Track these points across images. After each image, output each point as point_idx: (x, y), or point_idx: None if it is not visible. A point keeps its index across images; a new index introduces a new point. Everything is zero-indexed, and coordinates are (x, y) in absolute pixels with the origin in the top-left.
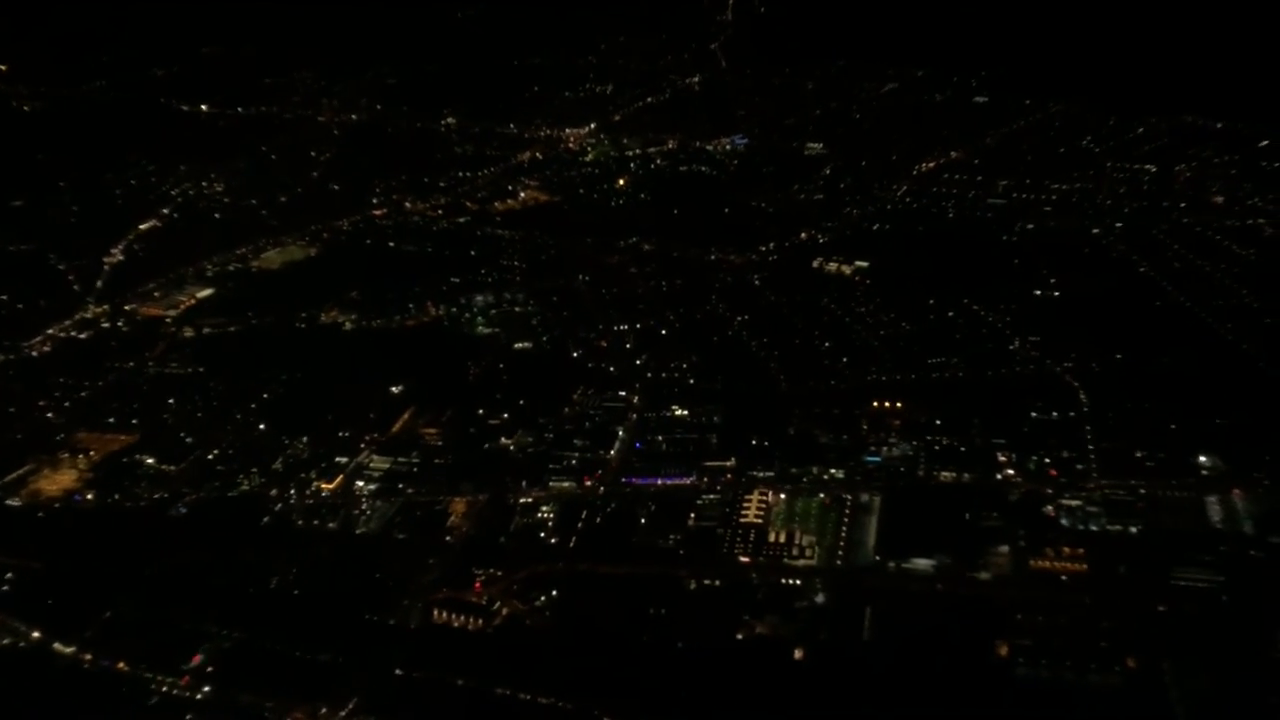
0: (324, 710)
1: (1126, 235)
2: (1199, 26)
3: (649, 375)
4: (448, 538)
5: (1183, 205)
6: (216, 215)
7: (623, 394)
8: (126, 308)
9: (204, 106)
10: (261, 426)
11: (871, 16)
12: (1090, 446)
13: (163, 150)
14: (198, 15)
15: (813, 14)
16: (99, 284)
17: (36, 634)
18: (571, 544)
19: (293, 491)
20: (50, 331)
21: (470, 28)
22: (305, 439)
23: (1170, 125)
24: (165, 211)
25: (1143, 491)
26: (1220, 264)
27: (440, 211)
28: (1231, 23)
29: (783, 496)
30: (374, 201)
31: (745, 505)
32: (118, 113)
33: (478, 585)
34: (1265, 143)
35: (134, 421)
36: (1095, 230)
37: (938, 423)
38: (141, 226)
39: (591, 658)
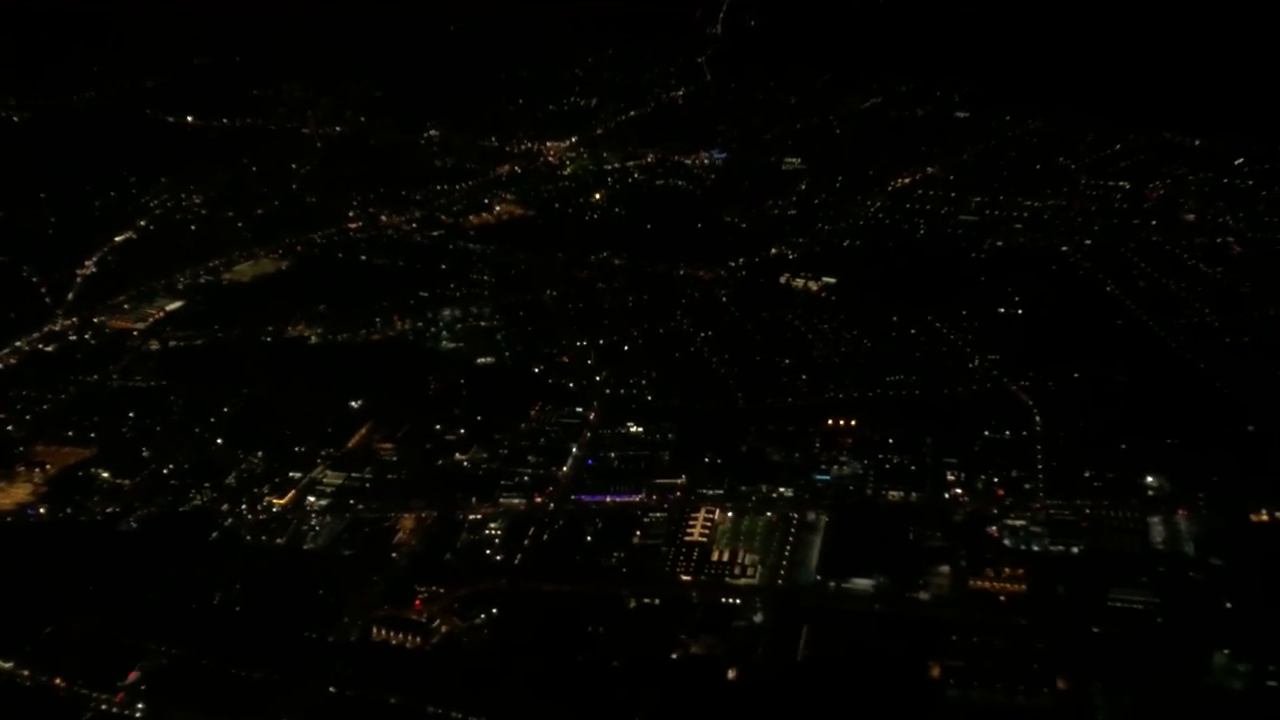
0: None
1: (1094, 253)
2: (1179, 43)
3: (608, 391)
4: (394, 554)
5: (1153, 223)
6: (192, 227)
7: (580, 410)
8: (95, 320)
9: (189, 118)
10: (219, 441)
11: (859, 31)
12: (1040, 466)
13: (145, 162)
14: (192, 26)
15: (801, 28)
16: (70, 296)
17: None
18: (516, 561)
19: (243, 506)
20: (18, 344)
21: (461, 40)
22: (260, 454)
23: (1148, 142)
24: (142, 223)
25: (1087, 511)
26: (1186, 282)
27: (414, 225)
28: (1212, 40)
29: (729, 515)
30: (350, 214)
31: (691, 523)
32: (104, 124)
33: (418, 603)
34: (1240, 160)
35: (92, 435)
36: (1064, 248)
37: (890, 441)
38: (117, 238)
39: (526, 676)
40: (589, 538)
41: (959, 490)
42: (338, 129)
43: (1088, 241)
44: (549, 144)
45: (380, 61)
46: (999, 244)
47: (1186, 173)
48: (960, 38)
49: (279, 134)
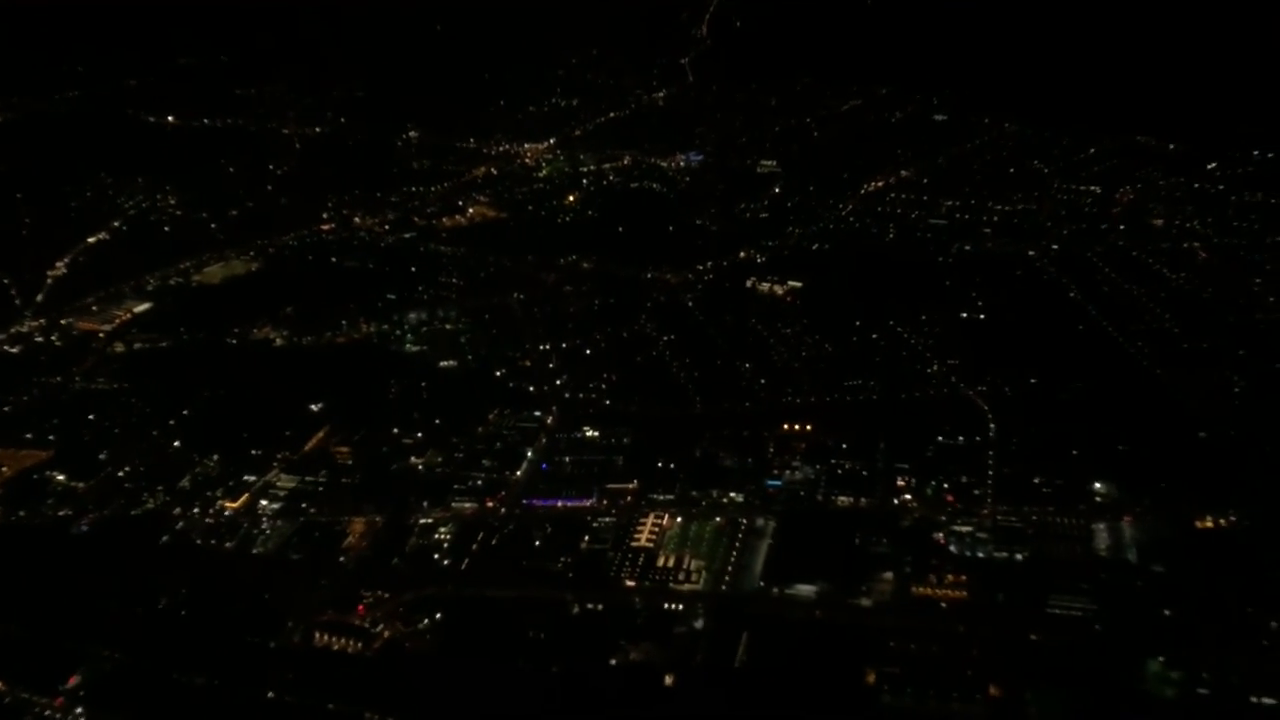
0: None
1: (1061, 257)
2: (1154, 47)
3: (567, 396)
4: (341, 559)
5: (1121, 228)
6: (166, 229)
7: (538, 414)
8: (63, 321)
9: (170, 118)
10: (176, 444)
11: (841, 33)
12: (990, 472)
13: (123, 162)
14: (179, 26)
15: (785, 30)
16: (39, 297)
17: None
18: (463, 566)
19: (196, 510)
20: None
21: (447, 40)
22: (215, 457)
23: (1122, 146)
24: (116, 224)
25: (1034, 518)
26: (1149, 288)
27: (387, 227)
28: (1187, 45)
29: (678, 520)
30: (323, 216)
31: (639, 528)
32: (85, 124)
33: (360, 608)
34: (1213, 165)
35: (51, 437)
36: (1031, 252)
37: (844, 446)
38: (90, 239)
39: (465, 682)
40: (537, 542)
41: (908, 496)
42: (317, 130)
43: (1055, 246)
44: (526, 146)
45: (365, 61)
46: (967, 248)
47: (1158, 177)
48: (940, 41)
49: (258, 135)
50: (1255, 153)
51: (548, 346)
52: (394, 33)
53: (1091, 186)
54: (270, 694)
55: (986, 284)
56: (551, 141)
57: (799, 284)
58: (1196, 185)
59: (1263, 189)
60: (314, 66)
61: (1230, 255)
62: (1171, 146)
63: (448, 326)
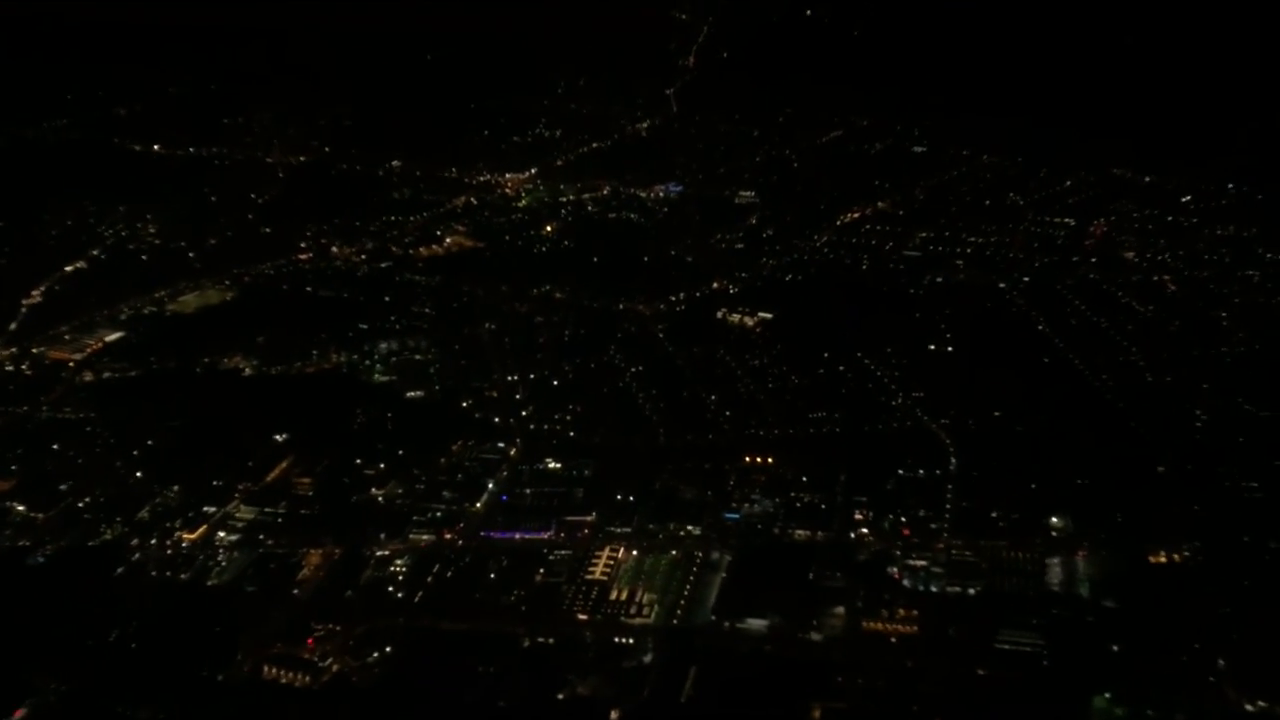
0: None
1: (1031, 290)
2: (1130, 81)
3: (531, 427)
4: (295, 591)
5: (1093, 260)
6: (144, 257)
7: (501, 445)
8: (34, 350)
9: (156, 146)
10: (138, 474)
11: (827, 64)
12: (948, 506)
13: (106, 190)
14: (171, 53)
15: (771, 61)
16: (12, 326)
17: None
18: (417, 599)
19: (153, 541)
20: None
21: (438, 69)
22: (176, 487)
23: (1099, 178)
24: (95, 253)
25: (988, 552)
26: (1116, 321)
27: (363, 256)
28: (1167, 78)
29: (634, 553)
30: (301, 245)
31: (594, 561)
32: (71, 151)
33: (310, 641)
34: (1187, 198)
35: (14, 467)
36: (1001, 284)
37: (804, 479)
38: (67, 268)
39: (410, 716)
40: (492, 575)
41: (865, 530)
42: (302, 158)
43: (1026, 278)
44: (508, 175)
45: (354, 90)
46: (939, 279)
47: (1132, 209)
48: (924, 72)
49: (243, 163)
50: (1230, 186)
51: (515, 377)
52: (384, 62)
53: (1065, 219)
54: None
55: (955, 316)
56: (533, 171)
57: (769, 315)
58: (1170, 218)
59: (1235, 222)
60: (302, 95)
61: (1200, 288)
62: (1147, 179)
63: (417, 356)
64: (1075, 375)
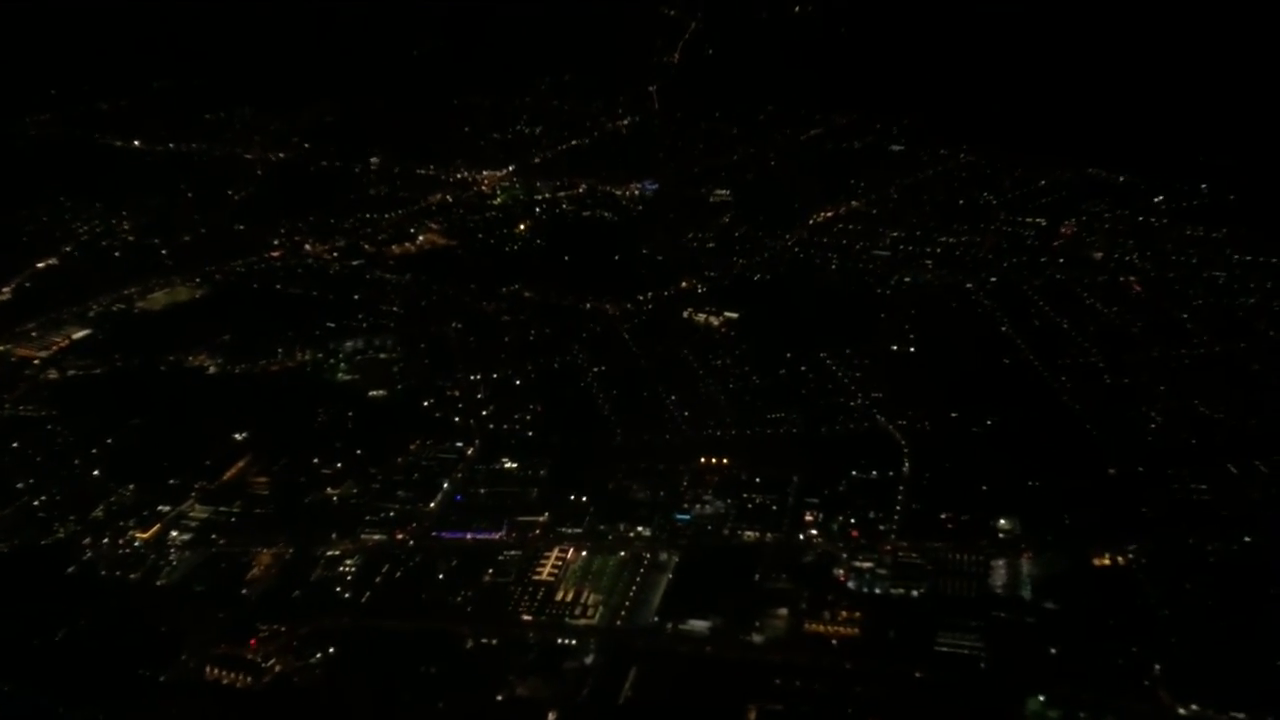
0: None
1: (997, 290)
2: (1109, 80)
3: (491, 426)
4: (244, 591)
5: (1060, 261)
6: (117, 254)
7: (460, 445)
8: (1, 348)
9: (137, 142)
10: (95, 472)
11: (811, 62)
12: (898, 508)
13: (83, 186)
14: (156, 48)
15: (756, 59)
16: None
17: None
18: (364, 599)
19: (106, 540)
20: None
21: (423, 65)
22: (132, 486)
23: (1074, 178)
24: (68, 249)
25: (935, 554)
26: (1079, 322)
27: (335, 254)
28: (1143, 77)
29: (583, 554)
30: (274, 242)
31: (543, 562)
32: (51, 147)
33: (253, 641)
34: (1159, 198)
35: None
36: (968, 285)
37: (756, 480)
38: (40, 264)
39: (349, 717)
40: (441, 575)
41: (814, 531)
42: (281, 155)
43: (993, 279)
44: (485, 173)
45: (338, 86)
46: (906, 280)
47: (1104, 209)
48: (904, 71)
49: (222, 159)
50: (1204, 186)
51: (478, 376)
52: (370, 58)
53: (1037, 219)
54: None
55: (920, 316)
56: (510, 169)
57: (735, 315)
58: (1141, 218)
59: (1205, 223)
60: (286, 90)
61: (1164, 290)
62: (1122, 178)
63: (382, 355)
64: (1034, 376)
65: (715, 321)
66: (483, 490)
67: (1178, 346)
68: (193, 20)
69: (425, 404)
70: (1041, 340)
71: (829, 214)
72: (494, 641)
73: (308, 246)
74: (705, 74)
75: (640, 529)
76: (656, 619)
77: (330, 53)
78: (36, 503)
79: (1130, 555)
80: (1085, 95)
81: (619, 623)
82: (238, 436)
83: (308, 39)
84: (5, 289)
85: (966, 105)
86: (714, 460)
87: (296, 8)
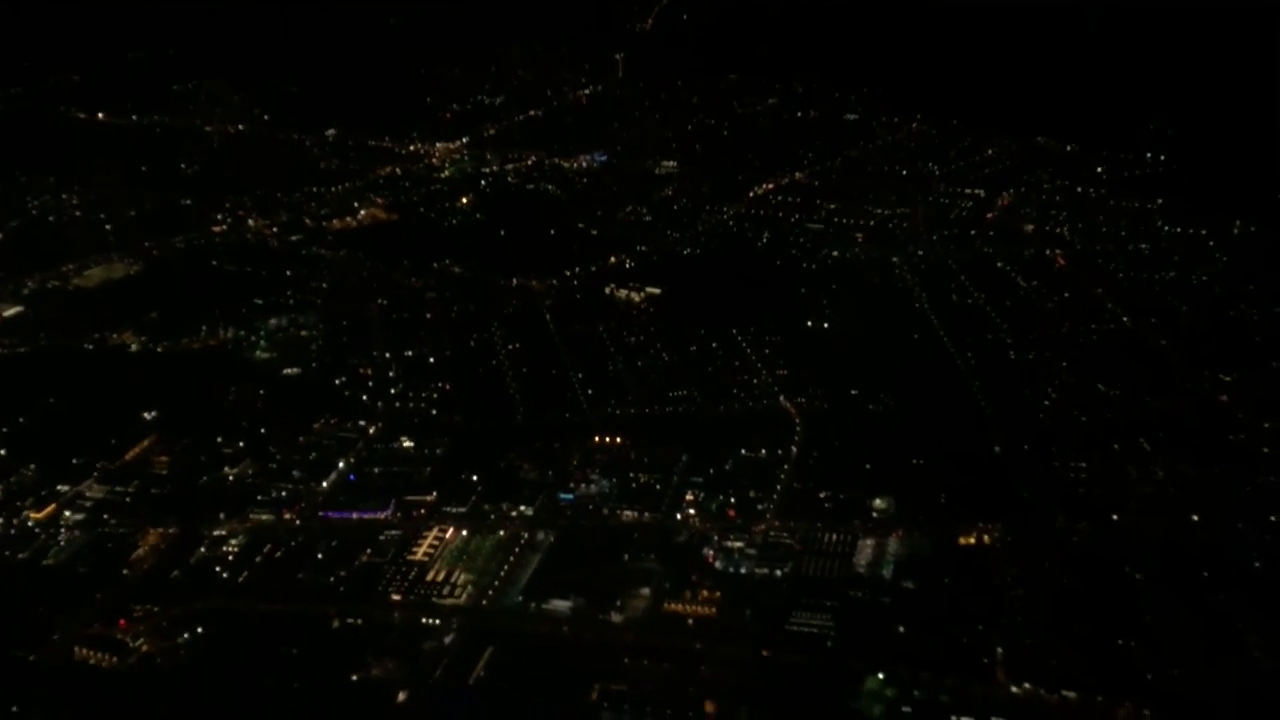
0: None
1: (921, 264)
2: (1067, 50)
3: (397, 405)
4: (125, 571)
5: (991, 234)
6: (61, 230)
7: (363, 424)
8: None
9: (100, 115)
10: (1, 452)
11: (778, 32)
12: (778, 487)
13: (40, 160)
14: (134, 18)
15: (729, 26)
16: None
17: None
18: (241, 579)
19: (0, 520)
20: None
21: (397, 34)
22: (33, 466)
23: (1021, 146)
24: (13, 224)
25: (799, 535)
26: (996, 296)
27: (275, 230)
28: (1095, 49)
29: (463, 533)
30: (218, 218)
31: (420, 542)
32: (15, 121)
33: (123, 622)
34: (1100, 168)
35: None
36: (895, 259)
37: (645, 460)
38: None
39: (206, 698)
40: (319, 555)
41: (692, 511)
42: (240, 127)
43: (920, 252)
44: (438, 145)
45: (307, 56)
46: (834, 254)
47: (1042, 180)
48: (865, 40)
49: (182, 132)
50: (1148, 155)
51: (390, 354)
52: (343, 27)
53: (976, 190)
54: (14, 709)
55: (840, 291)
56: (464, 140)
57: (657, 291)
58: (1080, 189)
59: (1141, 194)
60: (256, 61)
61: (1087, 263)
62: (1069, 148)
63: (304, 333)
64: (941, 353)
65: (637, 298)
66: (377, 469)
67: (1089, 322)
68: None
69: (337, 382)
70: (956, 316)
71: (770, 186)
72: (359, 622)
73: (250, 222)
74: (675, 41)
75: (523, 508)
76: (520, 599)
77: (305, 22)
78: None
79: (995, 535)
80: (1040, 65)
81: (485, 603)
82: (147, 416)
83: (285, 8)
84: None
85: (924, 75)
86: (607, 439)
87: None
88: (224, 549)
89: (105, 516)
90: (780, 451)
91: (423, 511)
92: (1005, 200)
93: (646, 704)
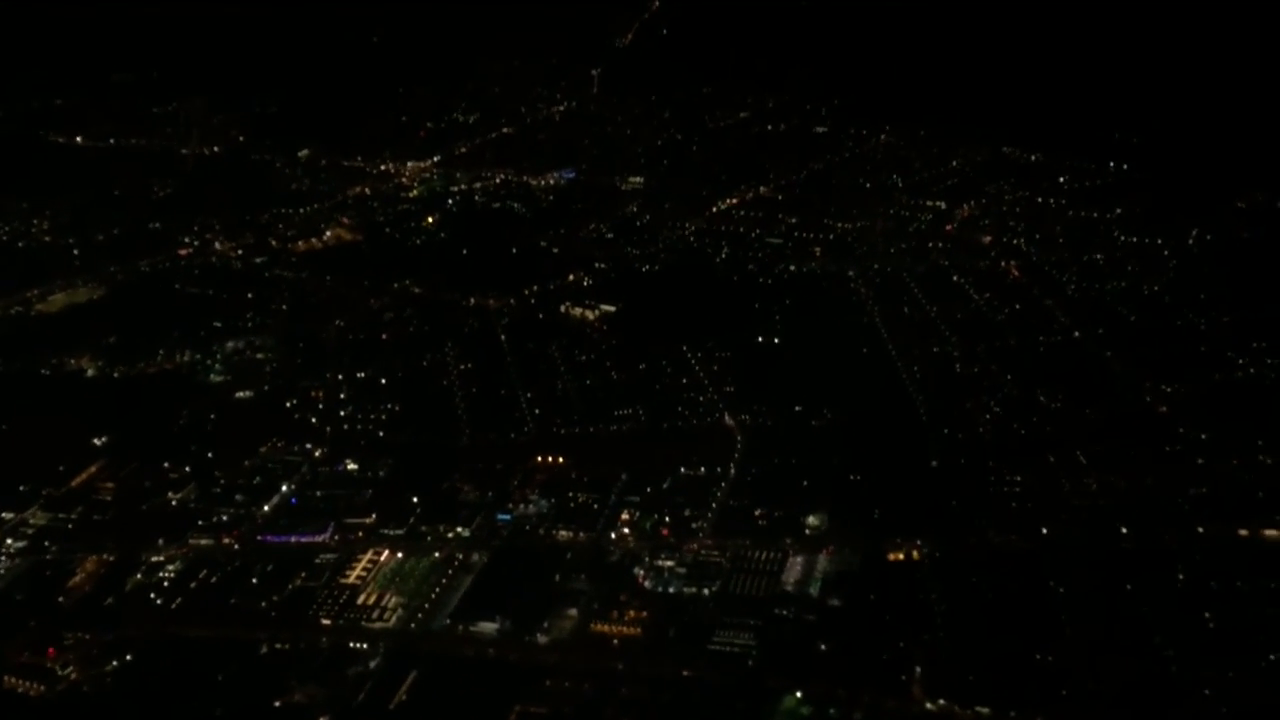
0: None
1: (877, 278)
2: (1035, 59)
3: (345, 427)
4: (61, 598)
5: (947, 246)
6: (28, 255)
7: (309, 446)
8: None
9: (79, 138)
10: None
11: (754, 45)
12: (713, 505)
13: (14, 185)
14: (121, 41)
15: (708, 41)
16: None
17: None
18: (174, 605)
19: None
20: None
21: (379, 53)
22: None
23: (987, 158)
24: None
25: (730, 553)
26: (947, 309)
27: (240, 252)
28: (1065, 54)
29: (398, 555)
30: (185, 240)
31: (354, 565)
32: None
33: (51, 650)
34: (1063, 178)
35: None
36: (851, 273)
37: (584, 479)
38: None
39: None
40: (254, 580)
41: (626, 530)
42: (215, 149)
43: (876, 266)
44: (409, 164)
45: (288, 76)
46: (791, 268)
47: (1004, 191)
48: (837, 53)
49: (157, 154)
50: (1111, 164)
51: (341, 376)
52: (327, 46)
53: (937, 202)
54: None
55: (794, 306)
56: (435, 159)
57: (613, 308)
58: (1040, 199)
59: (1101, 204)
60: (237, 83)
61: (1040, 275)
62: (1034, 158)
63: (260, 355)
64: (890, 366)
65: (591, 316)
66: (319, 493)
67: (1037, 334)
68: (156, 11)
69: (288, 405)
70: (906, 329)
71: (733, 201)
72: (286, 647)
73: (217, 245)
74: (653, 56)
75: (460, 529)
76: (449, 621)
77: (288, 41)
78: None
79: (923, 550)
80: (1007, 73)
81: (413, 626)
82: (97, 441)
83: (267, 29)
84: None
85: (893, 86)
86: (549, 459)
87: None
88: (160, 575)
89: (46, 543)
90: (719, 469)
91: (360, 534)
92: (965, 212)
93: None
